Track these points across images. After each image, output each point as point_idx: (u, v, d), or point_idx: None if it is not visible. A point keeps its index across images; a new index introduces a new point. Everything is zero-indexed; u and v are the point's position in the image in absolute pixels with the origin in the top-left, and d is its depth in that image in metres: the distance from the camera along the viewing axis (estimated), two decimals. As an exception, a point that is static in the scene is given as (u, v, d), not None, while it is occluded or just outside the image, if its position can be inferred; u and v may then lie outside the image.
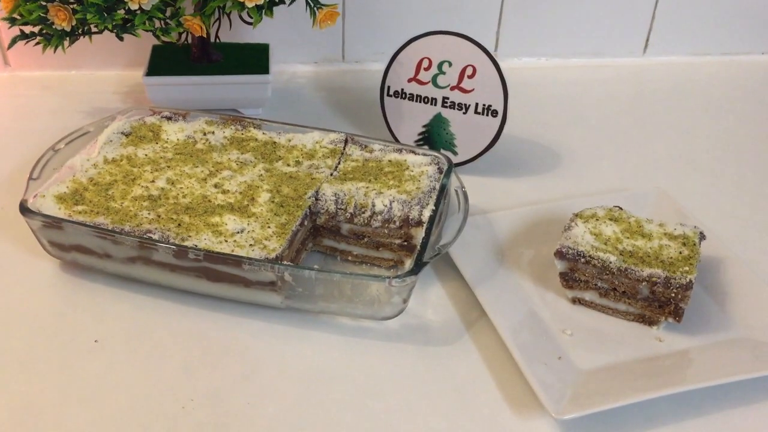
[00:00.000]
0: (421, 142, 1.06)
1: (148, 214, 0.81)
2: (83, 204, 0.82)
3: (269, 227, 0.81)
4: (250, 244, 0.78)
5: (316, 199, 0.86)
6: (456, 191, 0.89)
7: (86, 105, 1.18)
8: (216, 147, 0.94)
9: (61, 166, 0.89)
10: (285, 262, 0.76)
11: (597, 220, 0.84)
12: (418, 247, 0.79)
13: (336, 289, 0.77)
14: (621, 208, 0.87)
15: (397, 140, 1.08)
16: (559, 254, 0.81)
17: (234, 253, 0.76)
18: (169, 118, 0.98)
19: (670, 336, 0.79)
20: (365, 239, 0.87)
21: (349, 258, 0.89)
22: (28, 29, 0.99)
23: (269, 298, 0.79)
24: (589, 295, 0.82)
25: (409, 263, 0.84)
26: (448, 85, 1.02)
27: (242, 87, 1.12)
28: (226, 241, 0.79)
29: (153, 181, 0.86)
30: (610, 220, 0.84)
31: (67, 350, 0.76)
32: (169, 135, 0.95)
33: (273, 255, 0.76)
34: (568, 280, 0.82)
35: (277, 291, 0.77)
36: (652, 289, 0.77)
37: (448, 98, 1.02)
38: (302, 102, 1.22)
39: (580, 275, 0.81)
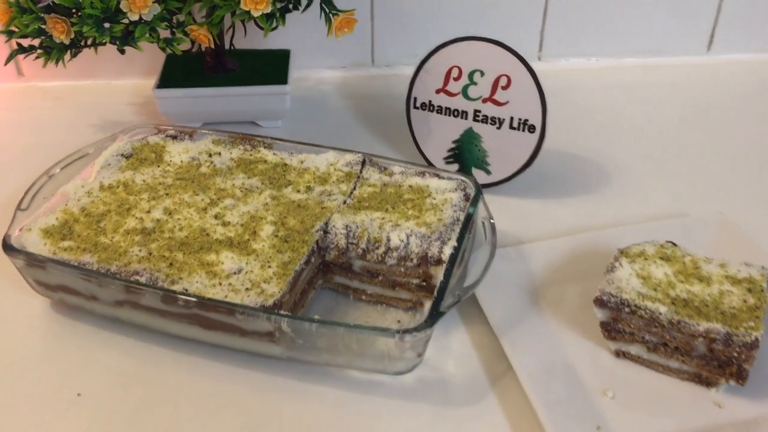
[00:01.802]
0: (451, 160, 0.96)
1: (140, 251, 0.74)
2: (71, 239, 0.75)
3: (270, 267, 0.72)
4: (247, 288, 0.70)
5: (325, 233, 0.77)
6: (483, 223, 0.79)
7: (99, 118, 1.12)
8: (221, 171, 0.86)
9: (55, 193, 0.82)
10: (282, 312, 0.67)
11: (645, 259, 0.72)
12: (435, 293, 0.69)
13: (340, 343, 0.68)
14: (675, 244, 0.75)
15: (424, 157, 0.98)
16: (600, 302, 0.70)
17: (226, 300, 0.68)
18: (174, 137, 0.91)
19: (731, 401, 0.67)
20: (380, 277, 0.77)
21: (363, 297, 0.80)
22: (27, 42, 0.93)
23: (268, 348, 0.70)
24: (635, 349, 0.71)
25: (428, 306, 0.74)
26: (480, 97, 0.91)
27: (258, 98, 1.04)
28: (220, 284, 0.70)
29: (149, 212, 0.79)
30: (662, 259, 0.72)
31: (47, 404, 0.69)
32: (173, 156, 0.88)
33: (270, 302, 0.68)
34: (611, 330, 0.71)
35: (276, 342, 0.69)
36: (709, 346, 0.66)
37: (480, 111, 0.91)
38: (326, 112, 1.13)
39: (625, 326, 0.70)
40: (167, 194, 0.82)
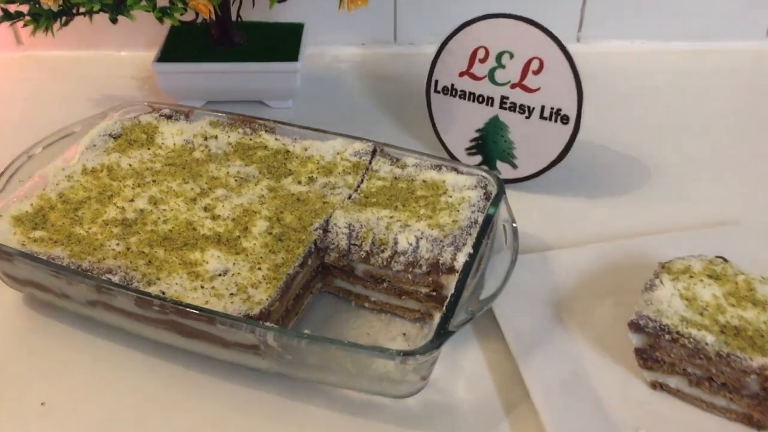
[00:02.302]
0: (474, 151, 0.87)
1: (117, 245, 0.66)
2: (44, 228, 0.68)
3: (260, 269, 0.64)
4: (231, 293, 0.62)
5: (325, 232, 0.68)
6: (504, 226, 0.69)
7: (98, 92, 1.04)
8: (216, 156, 0.77)
9: (33, 176, 0.74)
10: (268, 324, 0.59)
11: (691, 277, 0.63)
12: (444, 308, 0.60)
13: (333, 361, 0.59)
14: (725, 260, 0.65)
15: (445, 147, 0.88)
16: (635, 326, 0.60)
17: (205, 307, 0.60)
18: (168, 117, 0.82)
19: (785, 449, 0.57)
20: (385, 284, 0.69)
21: (366, 305, 0.71)
22: (13, 8, 0.85)
23: (253, 362, 0.62)
24: (674, 382, 0.61)
25: (438, 319, 0.65)
26: (509, 82, 0.81)
27: (267, 76, 0.95)
28: (202, 287, 0.62)
29: (132, 200, 0.71)
30: (710, 278, 0.63)
31: (8, 414, 0.62)
32: (165, 138, 0.79)
33: (256, 311, 0.60)
34: (647, 359, 0.61)
35: (261, 356, 0.61)
36: (764, 384, 0.56)
37: (507, 98, 0.82)
38: (341, 93, 1.04)
39: (664, 355, 0.60)
40: (154, 181, 0.74)
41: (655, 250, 0.71)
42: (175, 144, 0.79)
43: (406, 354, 0.56)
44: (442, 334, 0.58)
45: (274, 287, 0.62)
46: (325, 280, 0.72)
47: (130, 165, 0.75)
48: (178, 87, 0.96)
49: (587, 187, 0.86)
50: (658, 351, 0.60)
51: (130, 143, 0.79)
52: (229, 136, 0.80)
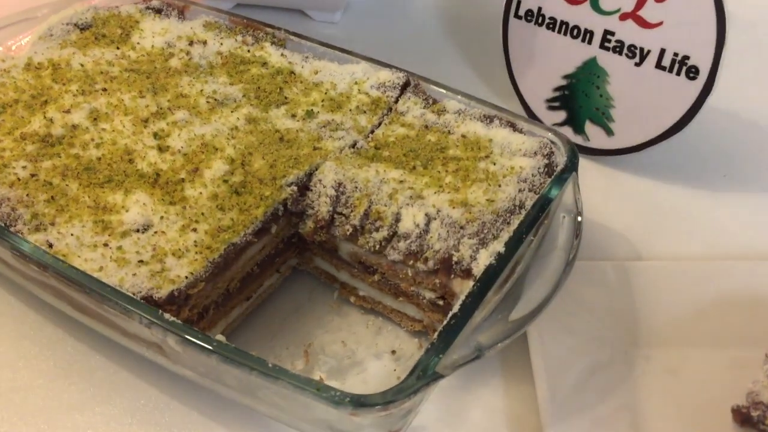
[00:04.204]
0: (556, 104, 0.63)
1: (23, 168, 0.49)
2: (-55, 133, 0.51)
3: (195, 230, 0.45)
4: (141, 261, 0.43)
5: (304, 189, 0.48)
6: (563, 217, 0.46)
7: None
8: (196, 67, 0.58)
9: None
10: (165, 316, 0.39)
11: None
12: (436, 335, 0.39)
13: (257, 389, 0.39)
14: None
15: (518, 93, 0.66)
16: (740, 416, 0.37)
17: (89, 274, 0.41)
18: (157, 11, 0.64)
19: None
20: (376, 276, 0.48)
21: (352, 299, 0.51)
22: None
23: (161, 361, 0.43)
24: None
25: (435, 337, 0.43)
26: (618, 11, 0.58)
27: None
28: (105, 244, 0.44)
29: (68, 111, 0.53)
30: None
31: None
32: (144, 38, 0.61)
33: (162, 293, 0.41)
34: (754, 470, 0.38)
35: (169, 359, 0.42)
36: None
37: (613, 34, 0.58)
38: (402, 11, 0.82)
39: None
40: (105, 90, 0.55)
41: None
42: (153, 46, 0.60)
43: (359, 403, 0.36)
44: (422, 376, 0.37)
45: (203, 260, 0.43)
46: (302, 257, 0.52)
47: (82, 65, 0.57)
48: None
49: (707, 175, 0.62)
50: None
51: (97, 38, 0.61)
52: (221, 44, 0.60)
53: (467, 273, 0.43)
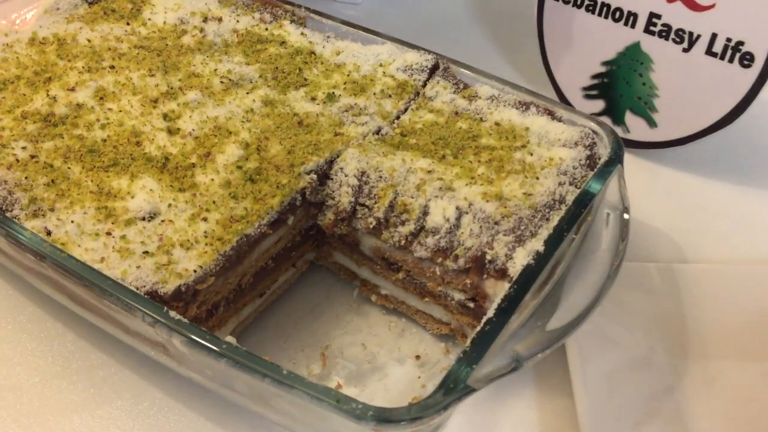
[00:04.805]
0: (594, 93, 0.59)
1: (23, 149, 0.45)
2: (-60, 109, 0.48)
3: (206, 219, 0.41)
4: (146, 251, 0.39)
5: (324, 178, 0.44)
6: (608, 215, 0.42)
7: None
8: (210, 45, 0.54)
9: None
10: (172, 314, 0.35)
11: None
12: (469, 342, 0.35)
13: (269, 396, 0.35)
14: None
15: (552, 80, 0.62)
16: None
17: (90, 266, 0.38)
18: (171, -14, 0.60)
19: None
20: (400, 274, 0.44)
21: (373, 297, 0.47)
22: None
23: (165, 361, 0.40)
24: None
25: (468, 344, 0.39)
26: None
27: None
28: (108, 233, 0.40)
29: (73, 89, 0.50)
30: None
31: None
32: (156, 13, 0.57)
33: (169, 288, 0.37)
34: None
35: (175, 360, 0.38)
36: None
37: (659, 16, 0.53)
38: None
39: None
40: (112, 68, 0.52)
41: None
42: (165, 22, 0.56)
43: (382, 419, 0.32)
44: (452, 389, 0.33)
45: (213, 253, 0.39)
46: (320, 251, 0.48)
47: (89, 41, 0.54)
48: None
49: (758, 172, 0.59)
50: None
51: (106, 13, 0.57)
52: (237, 21, 0.56)
53: (502, 273, 0.39)
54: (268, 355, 0.44)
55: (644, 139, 0.58)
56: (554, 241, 0.39)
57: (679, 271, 0.47)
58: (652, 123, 0.57)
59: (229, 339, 0.36)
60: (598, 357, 0.42)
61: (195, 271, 0.39)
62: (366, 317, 0.46)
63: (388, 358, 0.44)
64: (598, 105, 0.60)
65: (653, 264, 0.47)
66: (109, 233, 0.41)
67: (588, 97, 0.60)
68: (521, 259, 0.39)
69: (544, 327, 0.38)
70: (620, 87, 0.58)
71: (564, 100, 0.61)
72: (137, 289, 0.37)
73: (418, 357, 0.44)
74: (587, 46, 0.59)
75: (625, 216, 0.42)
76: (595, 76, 0.59)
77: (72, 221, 0.41)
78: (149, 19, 0.57)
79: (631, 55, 0.57)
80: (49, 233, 0.40)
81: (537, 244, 0.39)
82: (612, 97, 0.59)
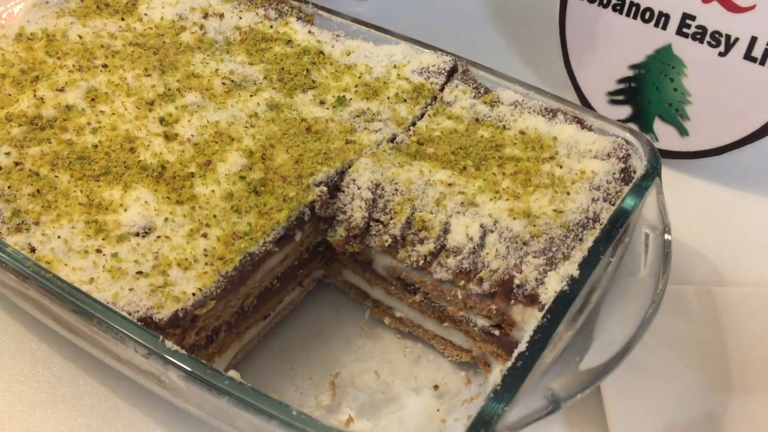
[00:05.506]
0: (620, 98, 0.55)
1: (6, 155, 0.42)
2: None
3: (205, 235, 0.37)
4: (140, 272, 0.36)
5: (335, 191, 0.40)
6: (647, 234, 0.38)
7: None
8: (210, 43, 0.50)
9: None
10: (168, 345, 0.32)
11: None
12: (500, 380, 0.31)
13: (273, 435, 0.32)
14: None
15: (575, 84, 0.58)
16: None
17: (77, 288, 0.34)
18: (169, -21, 0.56)
19: None
20: (417, 296, 0.40)
21: (386, 320, 0.43)
22: None
23: (161, 392, 0.36)
24: None
25: (496, 373, 0.36)
26: None
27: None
28: (98, 250, 0.37)
29: (62, 89, 0.46)
30: None
31: None
32: (153, 8, 0.54)
33: (165, 314, 0.33)
34: None
35: (170, 391, 0.35)
36: None
37: (693, 18, 0.50)
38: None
39: None
40: (105, 66, 0.48)
41: None
42: (162, 18, 0.52)
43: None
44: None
45: (214, 273, 0.35)
46: (329, 268, 0.45)
47: (80, 37, 0.50)
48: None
49: None
50: None
51: (99, 7, 0.53)
52: (240, 17, 0.52)
53: (532, 299, 0.36)
54: (274, 383, 0.40)
55: (674, 149, 0.54)
56: (590, 265, 0.36)
57: (718, 294, 0.43)
58: (683, 131, 0.53)
59: (232, 374, 0.32)
60: (634, 390, 0.38)
61: (194, 294, 0.35)
62: (378, 341, 0.43)
63: (404, 387, 0.41)
64: (625, 111, 0.56)
65: (691, 286, 0.43)
66: (99, 250, 0.37)
67: (613, 102, 0.56)
68: (554, 284, 0.35)
69: (579, 362, 0.34)
70: (649, 92, 0.54)
71: (587, 106, 0.58)
72: (129, 314, 0.34)
73: (436, 387, 0.41)
74: (614, 48, 0.55)
75: (667, 237, 0.38)
76: (621, 81, 0.56)
77: (59, 237, 0.37)
78: (145, 14, 0.53)
79: (661, 58, 0.53)
80: (33, 250, 0.37)
81: (571, 268, 0.35)
82: (640, 103, 0.55)
